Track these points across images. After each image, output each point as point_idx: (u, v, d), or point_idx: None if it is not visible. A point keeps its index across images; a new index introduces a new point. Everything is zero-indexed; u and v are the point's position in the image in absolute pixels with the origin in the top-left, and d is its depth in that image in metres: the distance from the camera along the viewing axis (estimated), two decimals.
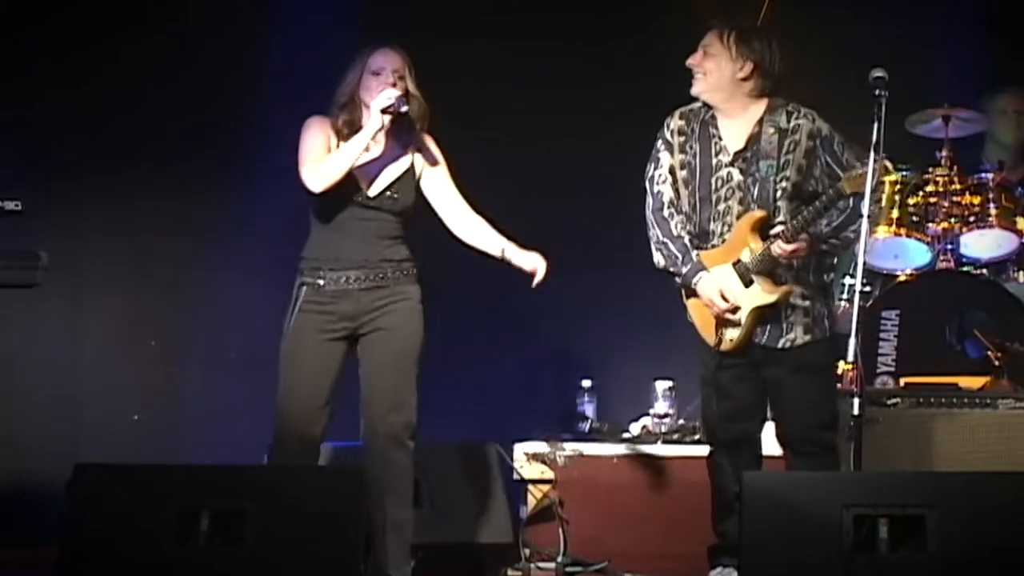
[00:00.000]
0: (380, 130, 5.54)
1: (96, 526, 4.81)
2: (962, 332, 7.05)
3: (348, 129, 5.60)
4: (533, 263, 5.74)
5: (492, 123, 7.80)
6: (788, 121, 5.54)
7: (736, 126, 5.59)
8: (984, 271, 7.28)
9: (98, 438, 7.23)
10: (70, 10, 7.48)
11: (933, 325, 7.06)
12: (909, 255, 7.41)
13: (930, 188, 7.38)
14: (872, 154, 5.19)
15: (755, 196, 5.51)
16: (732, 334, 5.56)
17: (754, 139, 5.54)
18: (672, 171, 5.65)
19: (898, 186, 7.41)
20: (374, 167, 5.64)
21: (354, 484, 4.91)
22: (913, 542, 4.53)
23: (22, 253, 5.20)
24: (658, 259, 5.65)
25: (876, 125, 5.20)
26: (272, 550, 4.71)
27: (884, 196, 7.23)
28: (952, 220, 7.29)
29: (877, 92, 5.21)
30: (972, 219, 7.32)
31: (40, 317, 7.24)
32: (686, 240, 5.59)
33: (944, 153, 7.37)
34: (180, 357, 7.41)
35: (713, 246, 5.59)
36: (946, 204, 7.31)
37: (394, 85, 5.58)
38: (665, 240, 5.62)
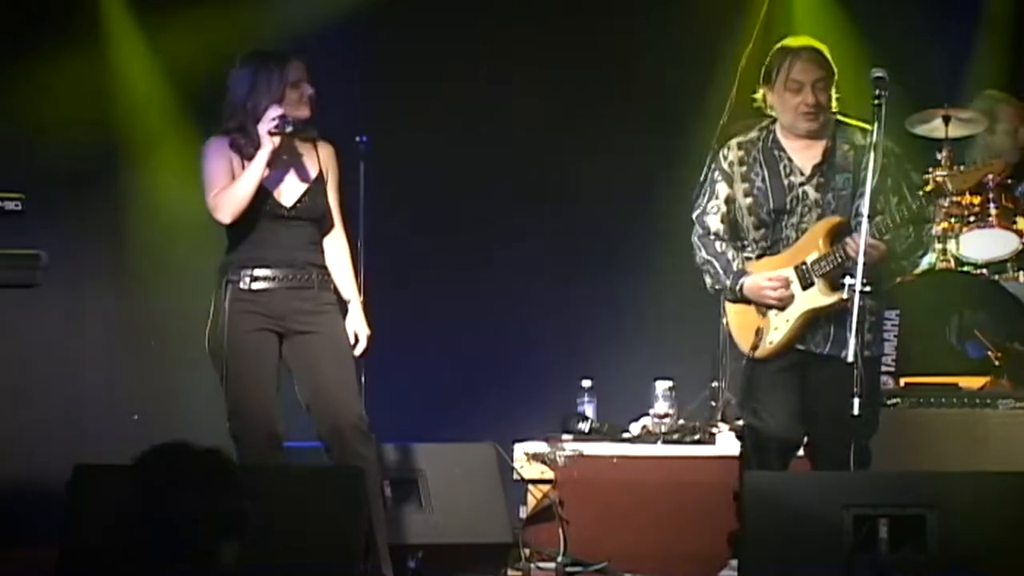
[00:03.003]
0: (272, 152, 5.51)
1: (96, 526, 4.81)
2: (962, 332, 7.05)
3: (247, 143, 5.53)
4: (358, 332, 5.70)
5: (495, 124, 7.80)
6: (864, 138, 5.48)
7: (808, 146, 5.54)
8: (984, 271, 7.28)
9: (98, 438, 7.23)
10: (69, 9, 7.49)
11: (933, 325, 7.06)
12: None
13: (930, 188, 7.36)
14: (871, 154, 5.20)
15: (834, 209, 5.48)
16: (774, 337, 5.47)
17: (828, 153, 5.51)
18: (729, 201, 5.58)
19: None
20: (286, 178, 5.62)
21: (354, 484, 4.91)
22: (913, 542, 4.53)
23: (22, 253, 5.20)
24: (707, 280, 5.61)
25: (876, 125, 5.20)
26: (272, 550, 4.70)
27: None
28: (952, 220, 7.28)
29: (877, 92, 5.21)
30: (972, 219, 7.32)
31: (40, 317, 7.24)
32: (730, 255, 5.55)
33: (944, 153, 7.37)
34: (180, 357, 7.40)
35: (778, 253, 5.55)
36: (946, 204, 7.30)
37: (310, 95, 5.53)
38: (709, 258, 5.58)
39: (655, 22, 7.92)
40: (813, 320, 5.46)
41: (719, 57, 7.50)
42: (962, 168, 6.25)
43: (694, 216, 5.65)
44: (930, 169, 7.38)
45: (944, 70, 7.95)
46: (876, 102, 5.23)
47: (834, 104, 5.52)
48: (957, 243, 7.27)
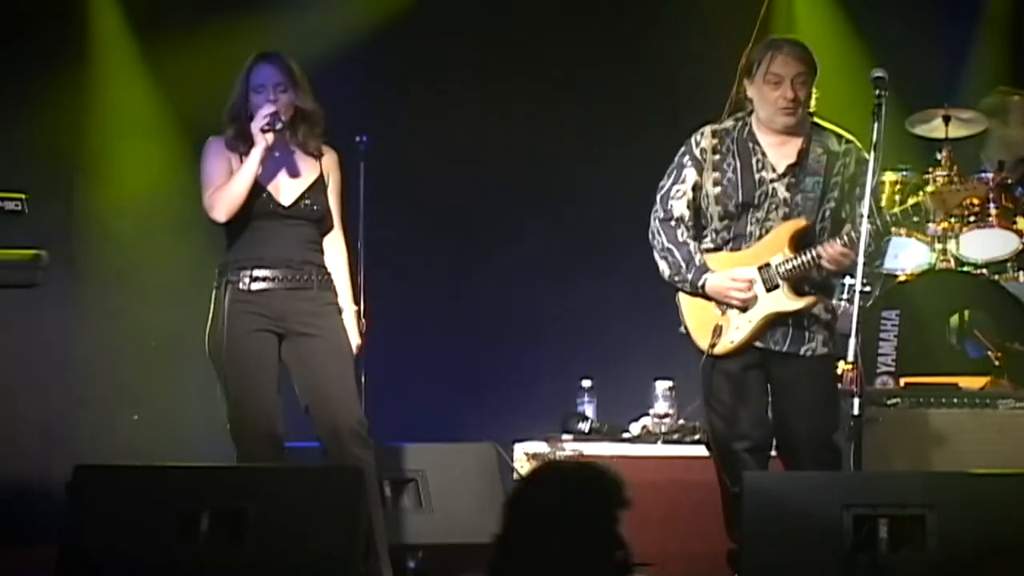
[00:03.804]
0: (265, 149, 5.51)
1: (96, 526, 4.81)
2: (962, 332, 7.05)
3: (243, 145, 5.56)
4: (353, 336, 5.70)
5: (495, 124, 7.81)
6: (839, 144, 5.50)
7: (783, 143, 5.51)
8: (984, 271, 7.28)
9: (98, 438, 7.23)
10: (68, 9, 7.50)
11: (933, 325, 7.06)
12: (909, 255, 7.41)
13: (930, 188, 7.37)
14: (872, 153, 5.21)
15: (802, 211, 5.47)
16: (734, 336, 5.46)
17: (803, 155, 5.49)
18: (696, 188, 5.55)
19: (898, 186, 7.42)
20: (285, 177, 5.62)
21: (354, 484, 4.90)
22: (913, 542, 4.52)
23: (22, 253, 5.20)
24: (663, 268, 5.57)
25: (876, 125, 5.20)
26: (272, 550, 4.71)
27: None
28: (952, 220, 7.29)
29: (877, 92, 5.21)
30: (972, 219, 7.32)
31: (40, 317, 7.24)
32: (691, 247, 5.51)
33: (944, 153, 7.38)
34: (180, 357, 7.41)
35: (739, 248, 5.53)
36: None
37: (275, 101, 5.54)
38: (670, 246, 5.54)
39: (656, 22, 7.93)
40: (773, 322, 5.46)
41: (720, 57, 7.49)
42: (952, 184, 6.28)
43: (658, 196, 5.61)
44: (930, 169, 7.42)
45: (944, 70, 7.96)
46: (876, 102, 5.22)
47: (813, 103, 5.51)
48: (957, 243, 7.28)
